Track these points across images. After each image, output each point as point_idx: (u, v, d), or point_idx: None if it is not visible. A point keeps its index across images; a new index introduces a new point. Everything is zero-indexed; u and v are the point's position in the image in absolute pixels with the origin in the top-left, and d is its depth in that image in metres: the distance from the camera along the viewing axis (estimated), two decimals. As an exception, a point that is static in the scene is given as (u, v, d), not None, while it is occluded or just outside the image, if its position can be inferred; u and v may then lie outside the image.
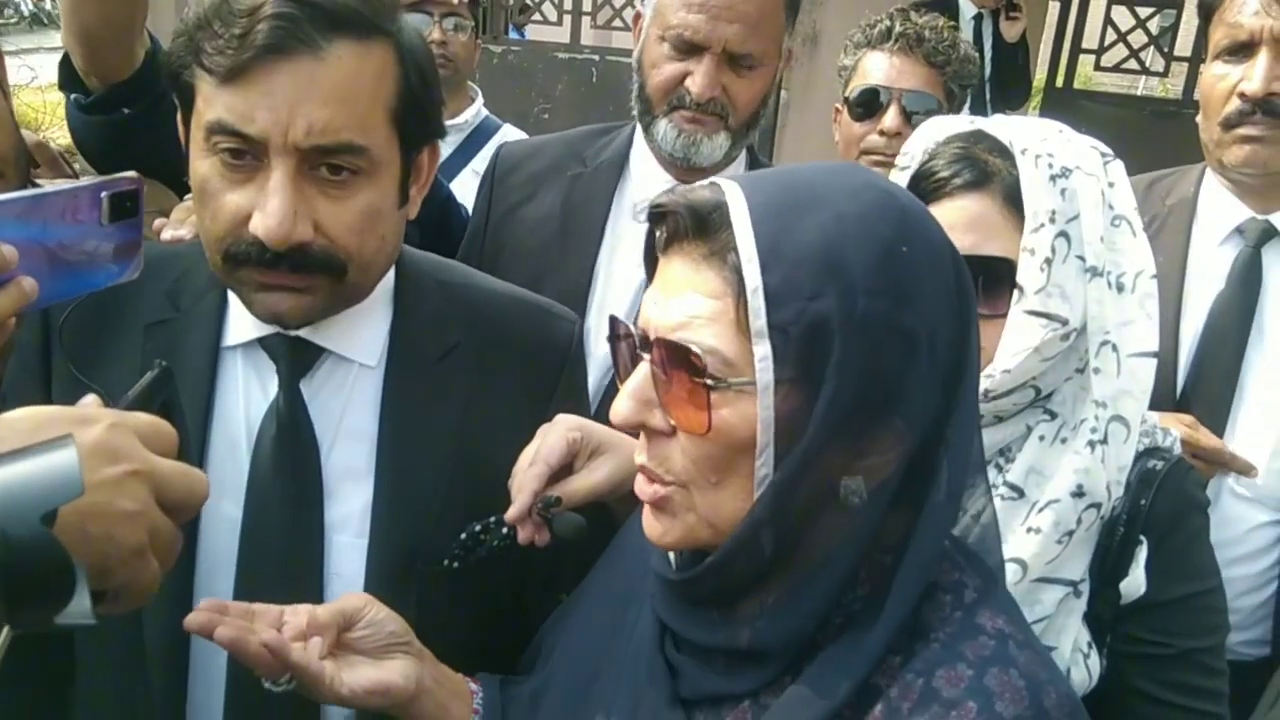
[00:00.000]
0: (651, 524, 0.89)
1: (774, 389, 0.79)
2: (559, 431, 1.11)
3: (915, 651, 0.82)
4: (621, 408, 0.87)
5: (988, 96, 4.56)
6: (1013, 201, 1.18)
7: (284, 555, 1.15)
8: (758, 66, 1.69)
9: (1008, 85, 4.60)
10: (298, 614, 0.99)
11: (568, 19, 5.60)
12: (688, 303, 0.82)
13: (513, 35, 6.66)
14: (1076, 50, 5.48)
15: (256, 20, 1.01)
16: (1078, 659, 1.18)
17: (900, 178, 1.28)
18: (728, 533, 0.84)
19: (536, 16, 6.00)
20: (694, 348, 0.81)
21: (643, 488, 0.89)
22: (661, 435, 0.86)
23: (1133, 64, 5.48)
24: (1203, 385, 1.73)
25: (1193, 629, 1.19)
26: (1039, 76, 6.23)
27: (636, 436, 0.90)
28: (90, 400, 0.81)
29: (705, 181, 0.87)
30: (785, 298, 0.78)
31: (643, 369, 0.87)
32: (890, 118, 1.99)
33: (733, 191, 0.83)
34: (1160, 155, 2.06)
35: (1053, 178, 1.18)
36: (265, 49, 1.01)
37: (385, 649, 1.03)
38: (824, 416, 0.79)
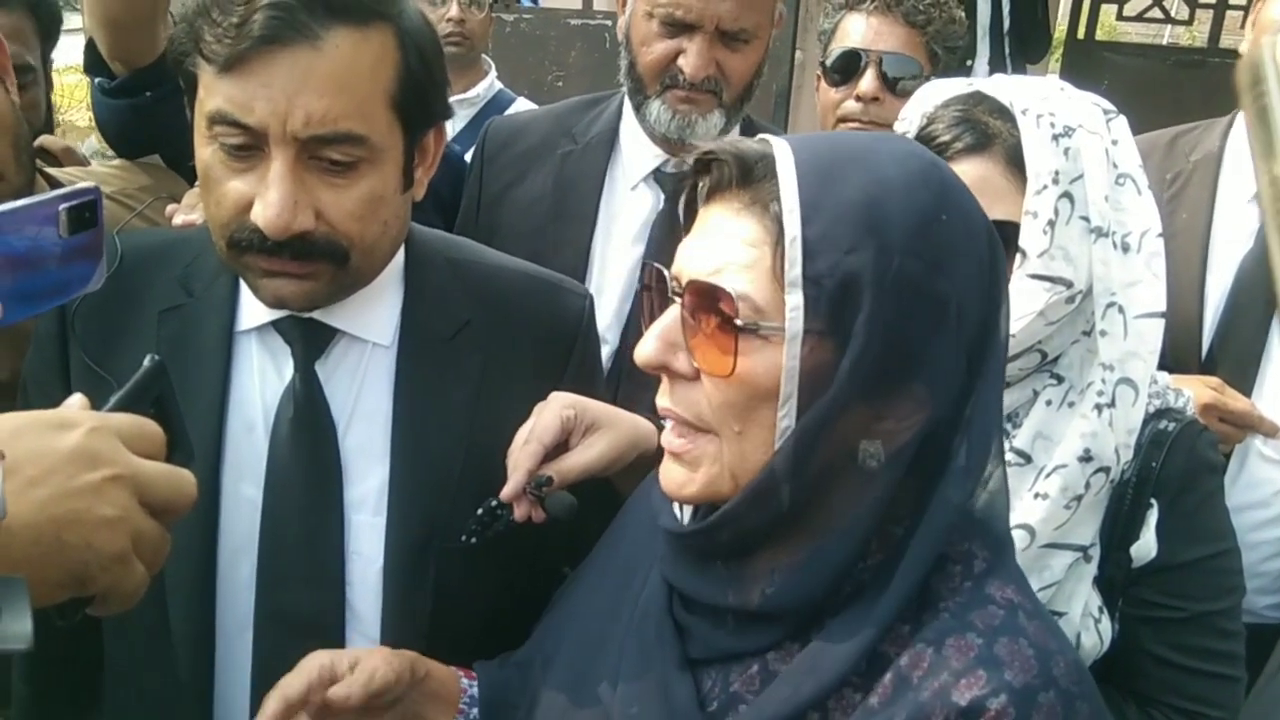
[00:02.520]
0: (672, 475, 0.90)
1: (802, 339, 0.80)
2: (553, 410, 1.11)
3: (925, 621, 0.83)
4: (647, 348, 0.88)
5: (1007, 50, 4.48)
6: (1015, 163, 1.18)
7: (304, 535, 1.17)
8: (751, 40, 1.67)
9: (1027, 39, 4.51)
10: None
11: (580, -15, 5.55)
12: (725, 249, 0.84)
13: (525, 3, 6.61)
14: (1098, 1, 5.37)
15: (253, 9, 1.01)
16: (1088, 624, 1.18)
17: (901, 144, 1.27)
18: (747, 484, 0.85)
19: (548, -17, 5.95)
20: (727, 289, 0.82)
21: (669, 439, 0.90)
22: (684, 379, 0.87)
23: (1156, 13, 5.35)
24: (1229, 346, 1.71)
25: (1206, 591, 1.19)
26: (1059, 29, 6.11)
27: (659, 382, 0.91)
28: (74, 401, 0.80)
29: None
30: (822, 250, 0.79)
31: (671, 312, 0.88)
32: (866, 81, 1.91)
33: (780, 146, 0.84)
34: (1186, 106, 2.01)
35: (1055, 137, 1.16)
36: (262, 39, 1.01)
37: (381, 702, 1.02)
38: (849, 372, 0.80)
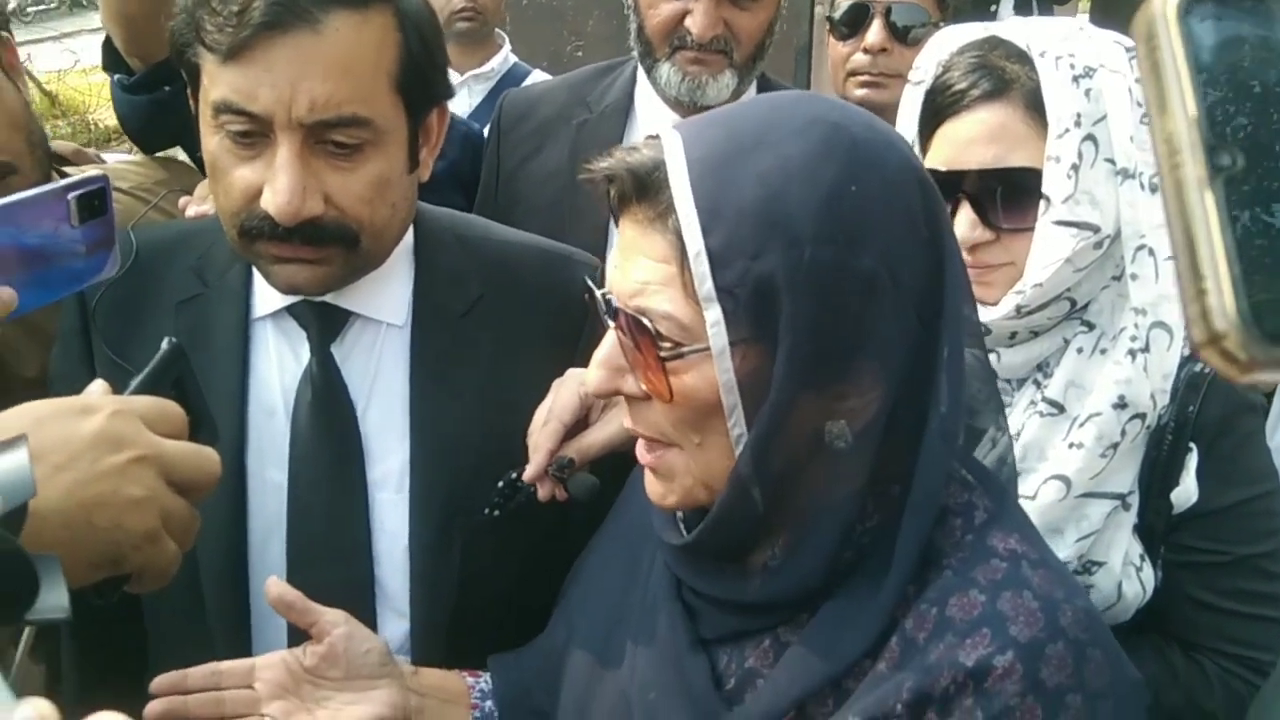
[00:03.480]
0: (653, 487, 0.89)
1: (731, 351, 0.77)
2: (570, 387, 1.11)
3: (928, 580, 0.81)
4: (592, 377, 0.87)
5: (1034, -7, 4.36)
6: (1035, 108, 1.14)
7: (330, 515, 1.18)
8: None
9: (1054, -21, 4.39)
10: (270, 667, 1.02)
11: (594, -48, 5.49)
12: (641, 268, 0.81)
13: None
14: (1127, -66, 5.22)
15: None
16: (1129, 572, 1.16)
17: (914, 94, 1.24)
18: (720, 490, 0.84)
19: (563, -48, 5.89)
20: (646, 317, 0.80)
21: (641, 453, 0.89)
22: (639, 400, 0.86)
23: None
24: None
25: (1248, 534, 1.16)
26: (1088, -34, 5.95)
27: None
28: (96, 388, 0.82)
29: (649, 136, 0.84)
30: (729, 259, 0.76)
31: (610, 337, 0.86)
32: (873, 33, 1.87)
33: (673, 148, 0.80)
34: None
35: (1075, 79, 1.13)
36: (263, 26, 1.01)
37: (365, 679, 1.02)
38: (785, 373, 0.77)
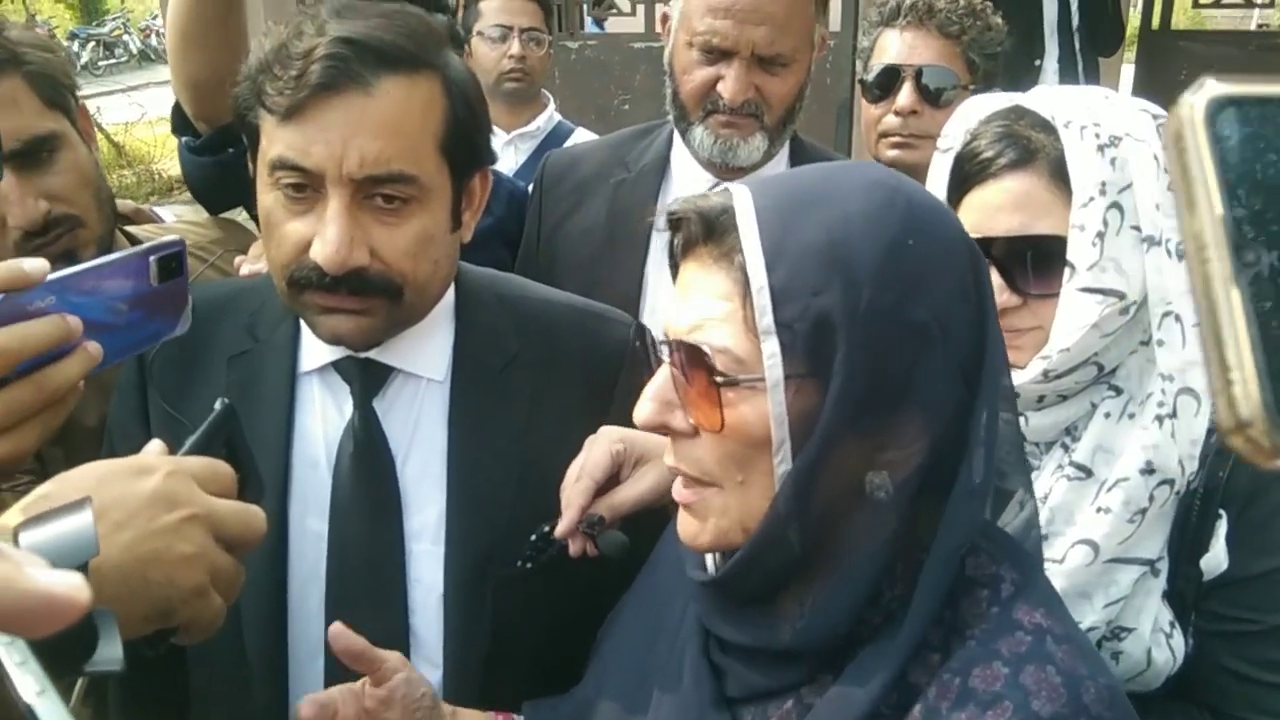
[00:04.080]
0: (686, 526, 0.91)
1: (785, 385, 0.80)
2: (602, 445, 1.13)
3: (953, 650, 0.82)
4: (643, 409, 0.90)
5: (1077, 47, 4.38)
6: (1060, 176, 1.16)
7: (368, 565, 1.22)
8: (790, 64, 1.68)
9: (1097, 33, 4.41)
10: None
11: (641, 9, 5.61)
12: (701, 305, 0.85)
13: (592, 28, 6.71)
14: (1173, -11, 5.23)
15: (311, 61, 1.07)
16: (1159, 639, 1.15)
17: (942, 161, 1.26)
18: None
19: (611, 10, 6.03)
20: (705, 347, 0.83)
21: (679, 490, 0.91)
22: (685, 436, 0.88)
23: (1235, -1, 5.19)
24: None
25: None
26: (1133, 20, 5.96)
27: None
28: (153, 448, 0.87)
29: (719, 187, 0.88)
30: (790, 295, 0.80)
31: (663, 372, 0.89)
32: (904, 96, 1.92)
33: (740, 195, 0.84)
34: (1272, 92, 1.96)
35: (1100, 148, 1.14)
36: (319, 87, 1.07)
37: (418, 718, 1.06)
38: (834, 409, 0.80)
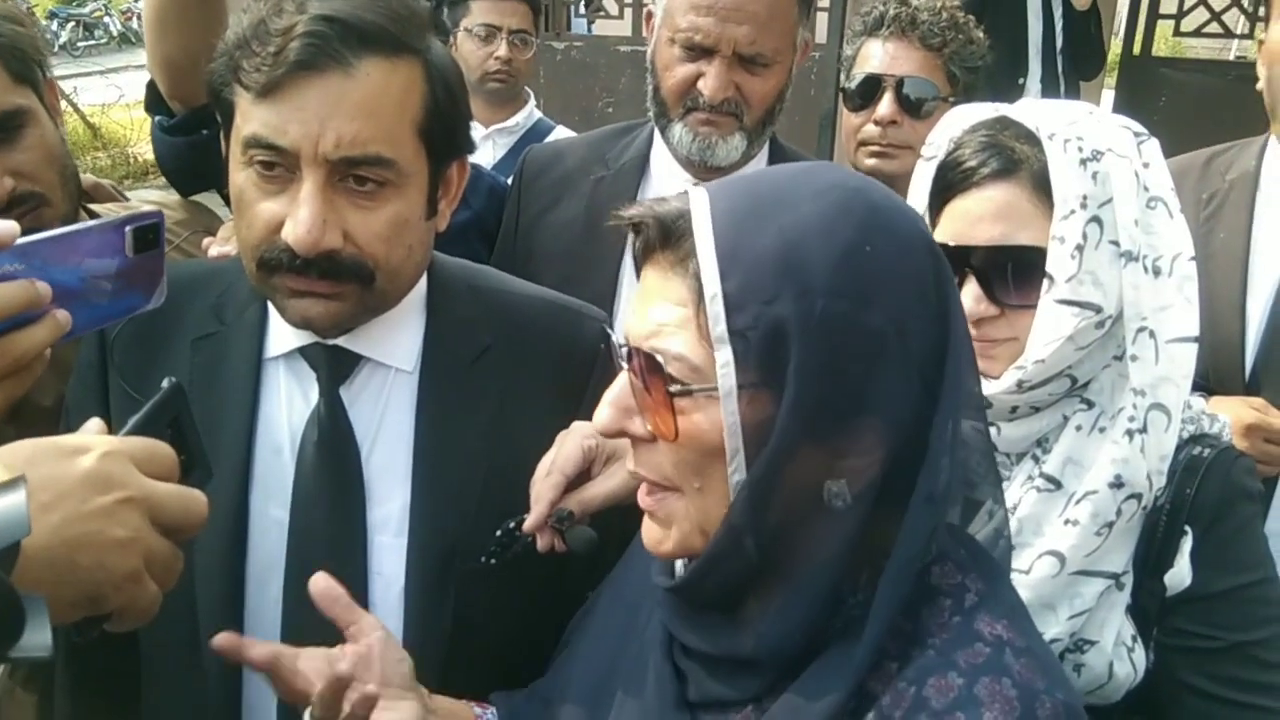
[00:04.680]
0: (650, 532, 0.90)
1: (738, 394, 0.79)
2: (574, 440, 1.12)
3: (911, 658, 0.81)
4: (602, 415, 0.89)
5: (1060, 69, 4.42)
6: (1042, 188, 1.16)
7: (329, 555, 1.19)
8: (771, 64, 1.68)
9: (1080, 56, 4.45)
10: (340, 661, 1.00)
11: (629, 12, 5.61)
12: (658, 311, 0.84)
13: (581, 29, 6.70)
14: (1154, 16, 5.29)
15: (290, 38, 1.05)
16: (1121, 652, 1.15)
17: (926, 169, 1.26)
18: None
19: (599, 11, 6.03)
20: (660, 355, 0.82)
21: (642, 496, 0.90)
22: (644, 442, 0.88)
23: (1215, 28, 5.26)
24: (1273, 366, 1.67)
25: (1243, 621, 1.15)
26: (1114, 45, 6.02)
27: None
28: (91, 426, 0.83)
29: (678, 191, 0.87)
30: (743, 303, 0.79)
31: (622, 378, 0.89)
32: (884, 105, 1.94)
33: (698, 200, 0.84)
34: (1248, 121, 1.98)
35: (1083, 161, 1.15)
36: (297, 65, 1.05)
37: (396, 688, 1.02)
38: (788, 419, 0.79)
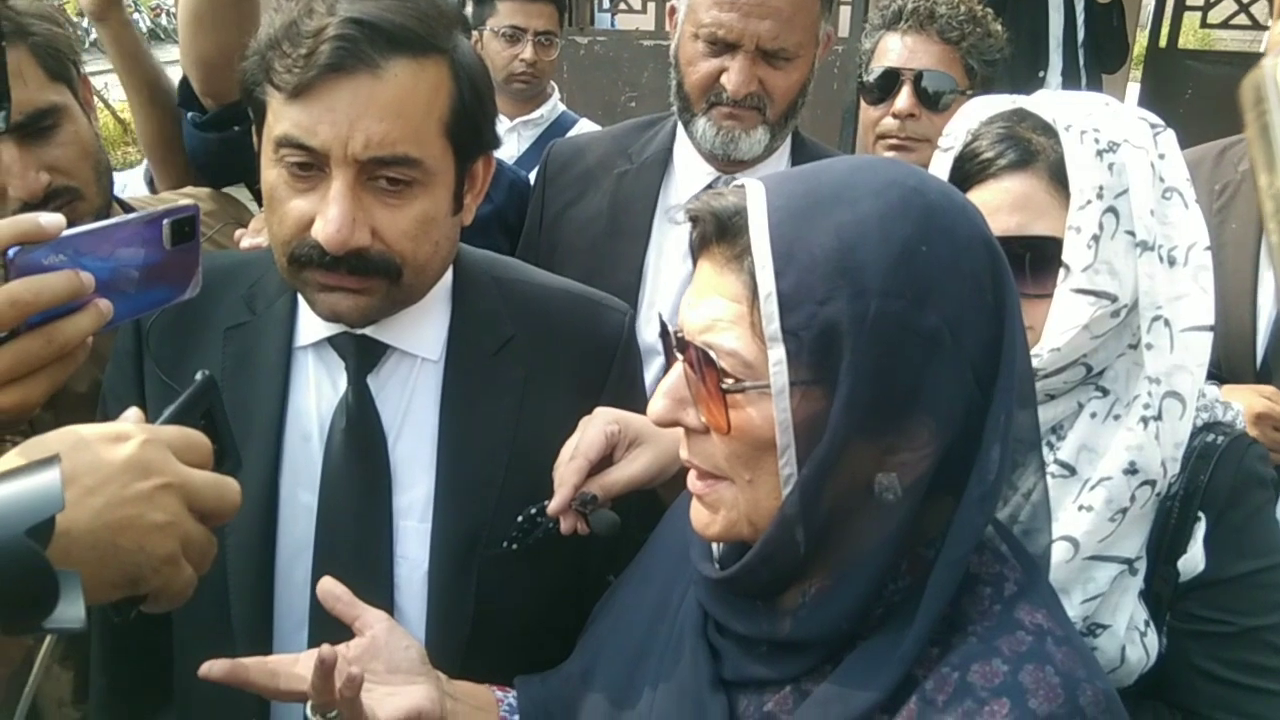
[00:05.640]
0: (699, 515, 0.92)
1: (790, 391, 0.80)
2: (597, 425, 1.14)
3: (953, 645, 0.82)
4: (656, 406, 0.90)
5: (1082, 62, 4.39)
6: (1059, 179, 1.17)
7: (356, 539, 1.23)
8: (793, 59, 1.70)
9: (1103, 49, 4.42)
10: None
11: (652, 7, 5.62)
12: (713, 306, 0.85)
13: (604, 23, 6.72)
14: (1181, 7, 5.24)
15: (321, 41, 1.08)
16: (1134, 637, 1.16)
17: (943, 159, 1.28)
18: (765, 529, 0.86)
19: (622, 5, 6.04)
20: (714, 351, 0.83)
21: (693, 481, 0.92)
22: (698, 433, 0.89)
23: (1243, 20, 5.21)
24: None
25: (1255, 607, 1.16)
26: (1140, 38, 5.98)
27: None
28: (131, 415, 0.87)
29: (735, 183, 0.88)
30: (798, 302, 0.79)
31: (677, 369, 0.90)
32: (902, 99, 1.95)
33: (755, 195, 0.84)
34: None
35: (1099, 153, 1.16)
36: (328, 68, 1.08)
37: (404, 674, 1.05)
38: (841, 417, 0.79)
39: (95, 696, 1.36)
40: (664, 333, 0.94)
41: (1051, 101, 1.23)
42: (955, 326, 0.80)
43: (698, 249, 0.89)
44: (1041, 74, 4.20)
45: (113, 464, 0.78)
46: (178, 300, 1.01)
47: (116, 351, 1.31)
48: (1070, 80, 4.29)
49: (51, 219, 0.86)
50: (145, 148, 1.94)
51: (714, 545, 0.98)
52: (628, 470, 1.13)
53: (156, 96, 1.88)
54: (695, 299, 0.87)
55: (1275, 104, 0.37)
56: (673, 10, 1.82)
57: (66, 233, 0.88)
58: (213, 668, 0.99)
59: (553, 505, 1.12)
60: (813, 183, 0.85)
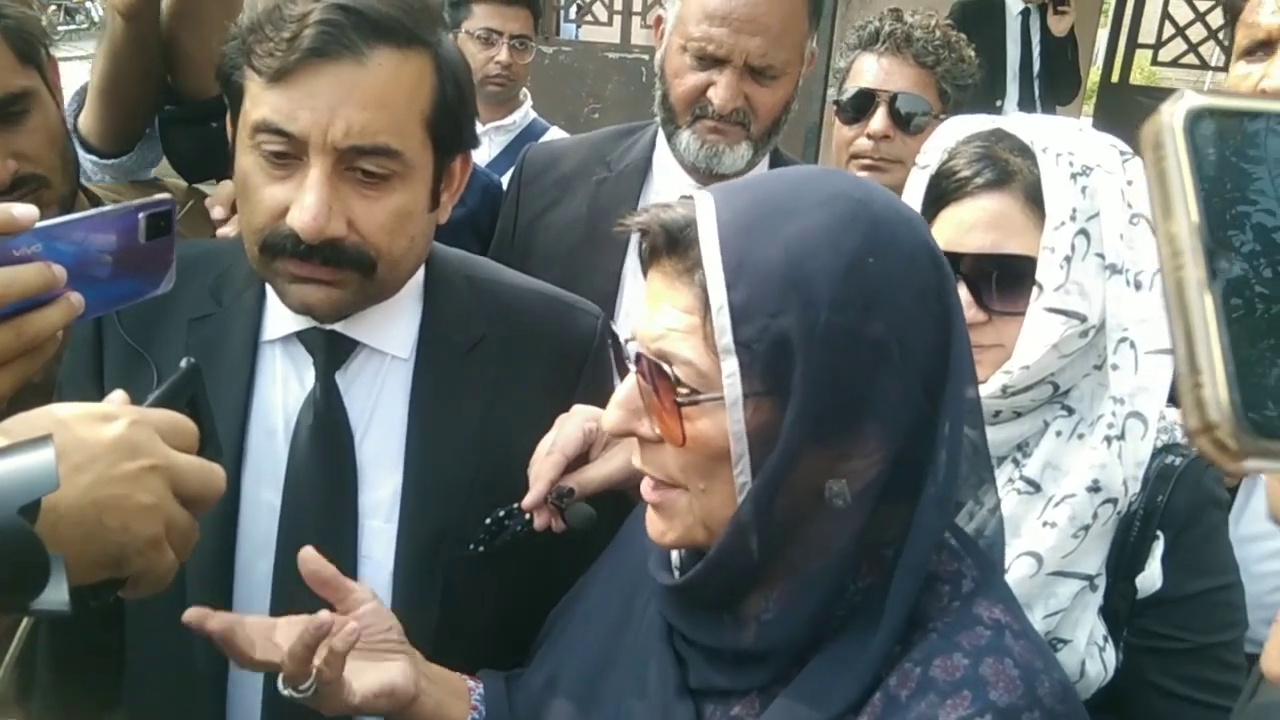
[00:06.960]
0: (653, 523, 0.92)
1: (744, 402, 0.81)
2: (576, 422, 1.14)
3: (913, 641, 0.84)
4: (610, 416, 0.91)
5: (1037, 93, 4.51)
6: (1034, 200, 1.20)
7: (319, 538, 1.19)
8: (780, 76, 1.71)
9: (1057, 81, 4.55)
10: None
11: (618, 19, 5.65)
12: (665, 317, 0.86)
13: (568, 34, 6.74)
14: (1133, 45, 5.40)
15: (304, 25, 1.06)
16: (1093, 652, 1.18)
17: (920, 177, 1.30)
18: (720, 535, 0.87)
19: (588, 17, 6.06)
20: (667, 362, 0.84)
21: (646, 490, 0.92)
22: (651, 442, 0.90)
23: (1192, 59, 5.38)
24: None
25: (1209, 624, 1.19)
26: (1093, 73, 6.14)
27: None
28: (116, 396, 0.85)
29: (682, 196, 0.89)
30: (749, 315, 0.80)
31: (630, 379, 0.90)
32: (877, 120, 1.97)
33: (704, 208, 0.85)
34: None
35: (1073, 176, 1.19)
36: (310, 52, 1.06)
37: (382, 649, 1.05)
38: (793, 427, 0.81)
39: (40, 693, 1.32)
40: (615, 343, 0.94)
41: (1029, 123, 1.26)
42: (902, 335, 0.82)
43: (648, 261, 0.90)
44: (999, 103, 4.30)
45: (101, 442, 0.77)
46: (151, 295, 1.00)
47: (74, 340, 1.27)
48: (1026, 109, 4.40)
49: (24, 210, 0.84)
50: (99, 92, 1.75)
51: (673, 554, 0.98)
52: (604, 469, 1.13)
53: (149, 84, 1.77)
54: (649, 309, 0.88)
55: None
56: (659, 20, 1.82)
57: (40, 224, 0.86)
58: (207, 620, 0.98)
59: (528, 499, 1.12)
60: (760, 194, 0.86)
